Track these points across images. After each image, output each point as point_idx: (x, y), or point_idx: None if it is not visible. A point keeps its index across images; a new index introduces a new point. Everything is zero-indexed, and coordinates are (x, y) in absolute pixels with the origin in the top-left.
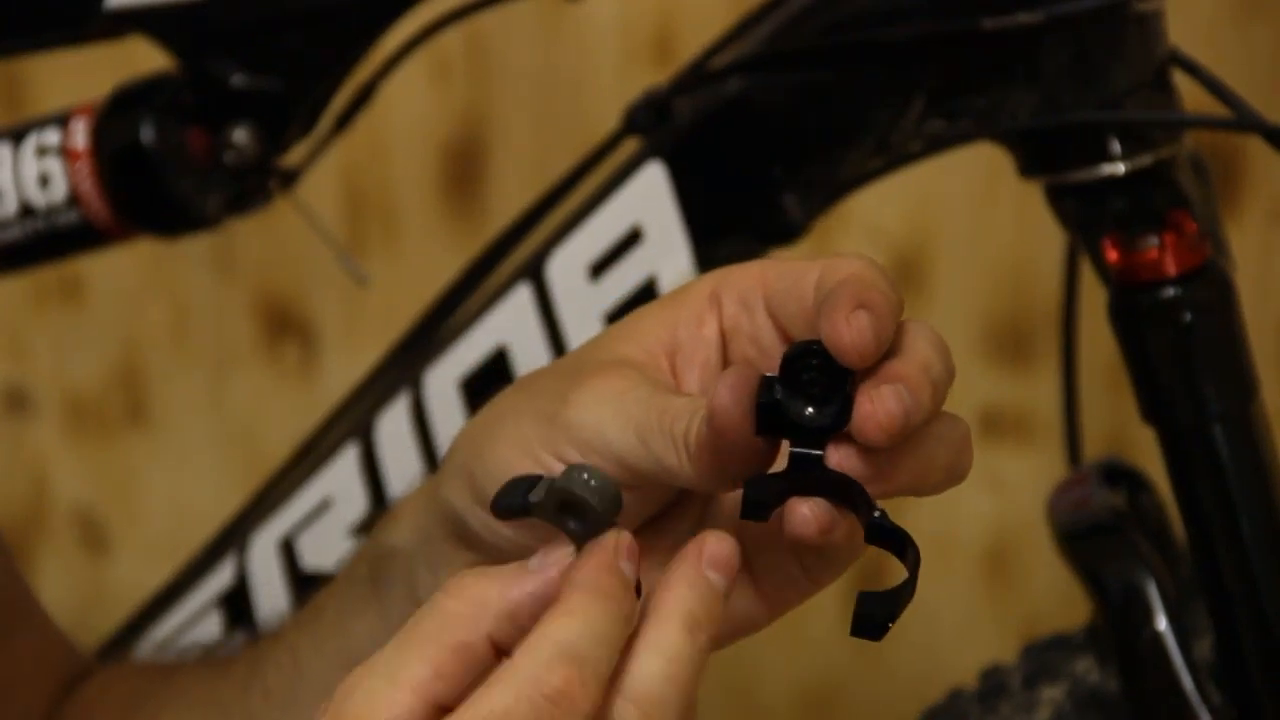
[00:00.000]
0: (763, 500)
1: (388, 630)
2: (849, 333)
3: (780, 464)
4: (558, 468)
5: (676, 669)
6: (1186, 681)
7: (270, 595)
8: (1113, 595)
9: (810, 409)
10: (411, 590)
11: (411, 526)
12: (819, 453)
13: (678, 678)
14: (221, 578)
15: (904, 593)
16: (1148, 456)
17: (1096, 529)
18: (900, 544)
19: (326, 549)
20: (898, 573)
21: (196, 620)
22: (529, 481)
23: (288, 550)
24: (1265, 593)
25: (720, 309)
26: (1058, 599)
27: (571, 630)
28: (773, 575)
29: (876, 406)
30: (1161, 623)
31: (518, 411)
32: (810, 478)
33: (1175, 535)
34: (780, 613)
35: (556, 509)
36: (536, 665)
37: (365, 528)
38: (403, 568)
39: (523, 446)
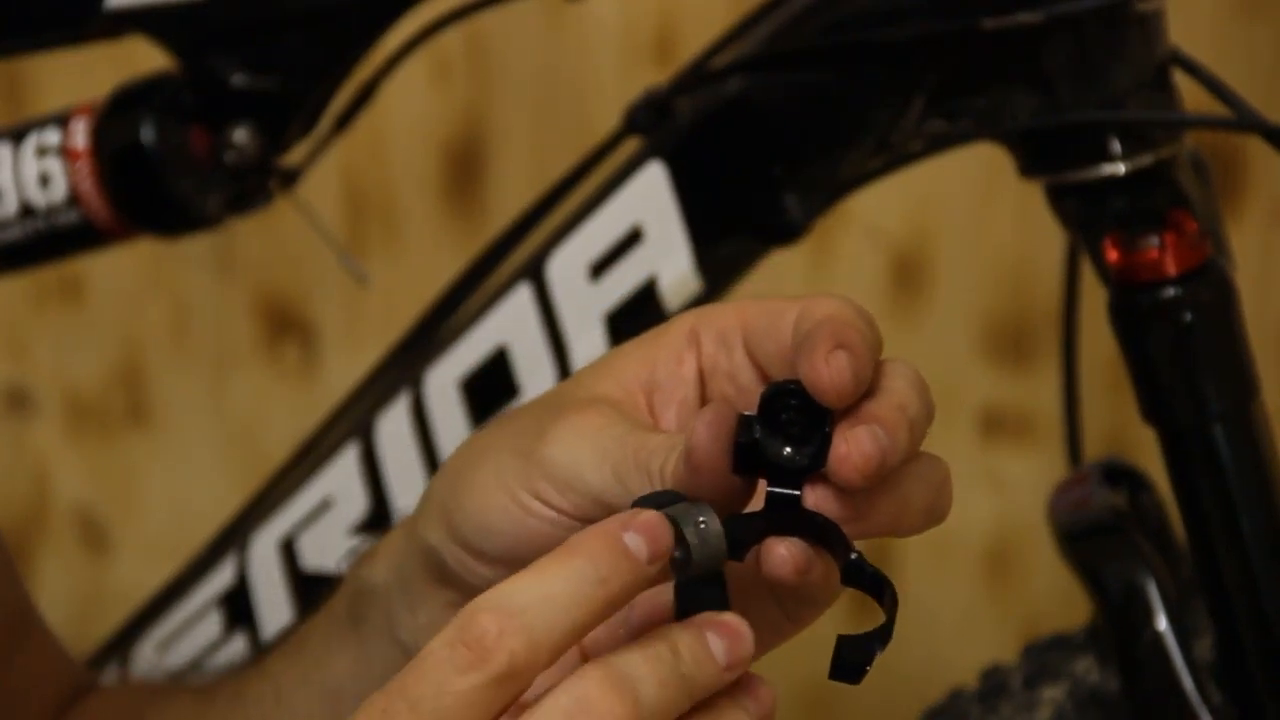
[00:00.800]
0: (739, 539)
1: (367, 667)
2: (828, 373)
3: (757, 504)
4: (535, 505)
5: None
6: (1187, 681)
7: (270, 595)
8: (1113, 595)
9: (788, 449)
10: (390, 628)
11: (389, 565)
12: (796, 493)
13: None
14: (222, 577)
15: (881, 636)
16: (1148, 456)
17: (1097, 529)
18: (878, 586)
19: (327, 549)
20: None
21: (197, 620)
22: (666, 499)
23: (288, 550)
24: (1265, 592)
25: (699, 347)
26: (1058, 599)
27: (513, 583)
28: (750, 616)
29: (852, 448)
30: (1162, 622)
31: (495, 449)
32: (787, 518)
33: (1176, 535)
34: (760, 653)
35: None
36: (467, 611)
37: (366, 527)
38: (381, 606)
39: (500, 483)
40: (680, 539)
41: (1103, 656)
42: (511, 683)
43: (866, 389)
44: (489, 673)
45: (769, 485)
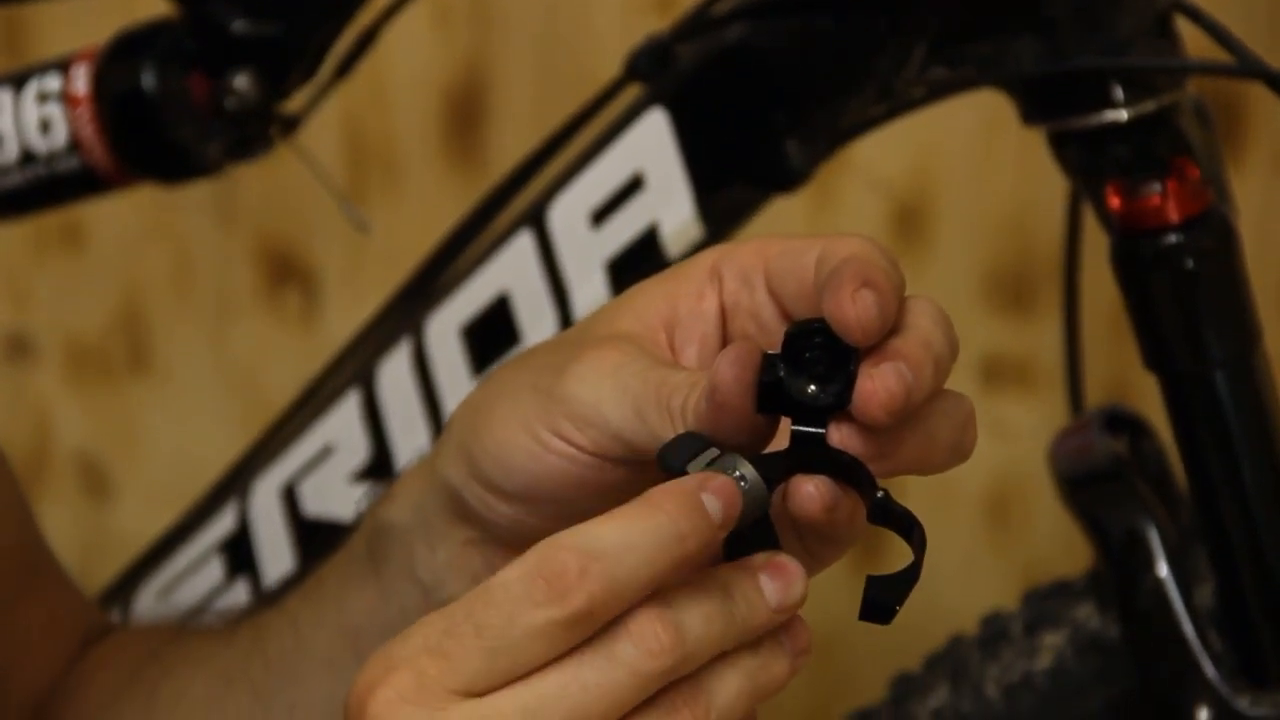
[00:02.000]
0: (765, 478)
1: (386, 606)
2: (854, 311)
3: (778, 444)
4: (554, 443)
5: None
6: (1188, 628)
7: (272, 541)
8: (1114, 541)
9: (813, 387)
10: (409, 567)
11: (409, 503)
12: (821, 431)
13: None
14: (223, 524)
15: (910, 575)
16: (1149, 403)
17: (1098, 476)
18: (906, 525)
19: (328, 495)
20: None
21: (198, 566)
22: (698, 445)
23: (289, 496)
24: (1266, 538)
25: (721, 284)
26: (1059, 546)
27: (595, 526)
28: None
29: (878, 385)
30: (1163, 569)
31: (515, 386)
32: (812, 456)
33: (1177, 482)
34: None
35: None
36: (548, 547)
37: (367, 474)
38: (401, 544)
39: (519, 421)
40: None
41: (1103, 603)
42: (585, 625)
43: (891, 326)
44: (566, 610)
45: (793, 424)
